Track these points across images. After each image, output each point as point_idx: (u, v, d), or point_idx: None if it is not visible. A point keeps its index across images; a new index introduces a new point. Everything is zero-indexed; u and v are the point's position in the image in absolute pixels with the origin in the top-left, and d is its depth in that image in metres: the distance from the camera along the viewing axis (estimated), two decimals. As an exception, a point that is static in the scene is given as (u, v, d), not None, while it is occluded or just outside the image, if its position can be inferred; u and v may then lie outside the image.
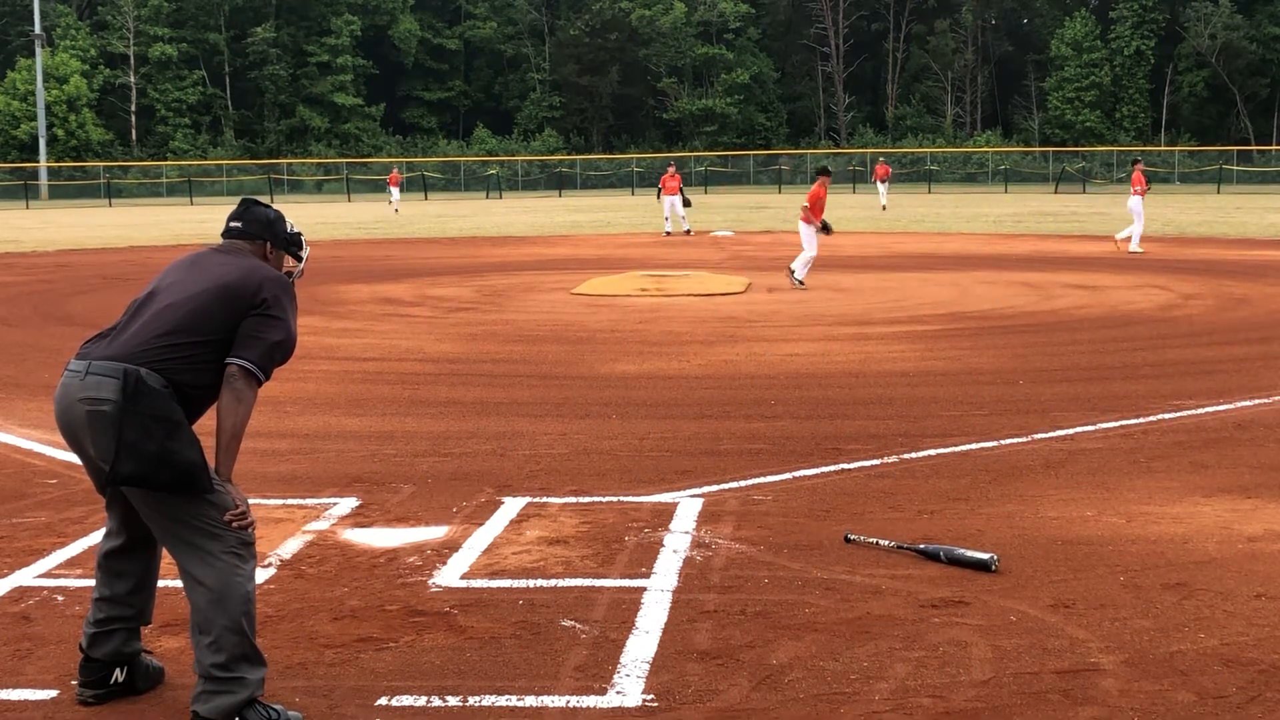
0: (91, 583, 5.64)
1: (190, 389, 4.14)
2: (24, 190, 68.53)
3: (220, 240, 4.53)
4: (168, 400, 4.05)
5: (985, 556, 5.70)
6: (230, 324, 4.16)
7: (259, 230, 4.51)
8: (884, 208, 45.92)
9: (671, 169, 34.71)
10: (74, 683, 4.40)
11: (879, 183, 48.83)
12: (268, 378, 4.21)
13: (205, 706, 4.06)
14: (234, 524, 4.08)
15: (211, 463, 4.10)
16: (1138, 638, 4.85)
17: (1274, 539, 6.15)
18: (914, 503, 6.85)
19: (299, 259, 4.64)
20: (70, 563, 5.92)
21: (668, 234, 33.13)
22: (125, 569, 4.32)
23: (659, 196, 35.06)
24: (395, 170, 56.86)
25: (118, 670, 4.35)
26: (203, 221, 41.96)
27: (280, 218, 4.60)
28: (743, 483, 7.31)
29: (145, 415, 3.98)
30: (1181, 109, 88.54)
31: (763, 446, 8.33)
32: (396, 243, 32.57)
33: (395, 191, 52.26)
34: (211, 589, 4.05)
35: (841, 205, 51.70)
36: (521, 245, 30.95)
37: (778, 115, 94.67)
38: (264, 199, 5.28)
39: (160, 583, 4.48)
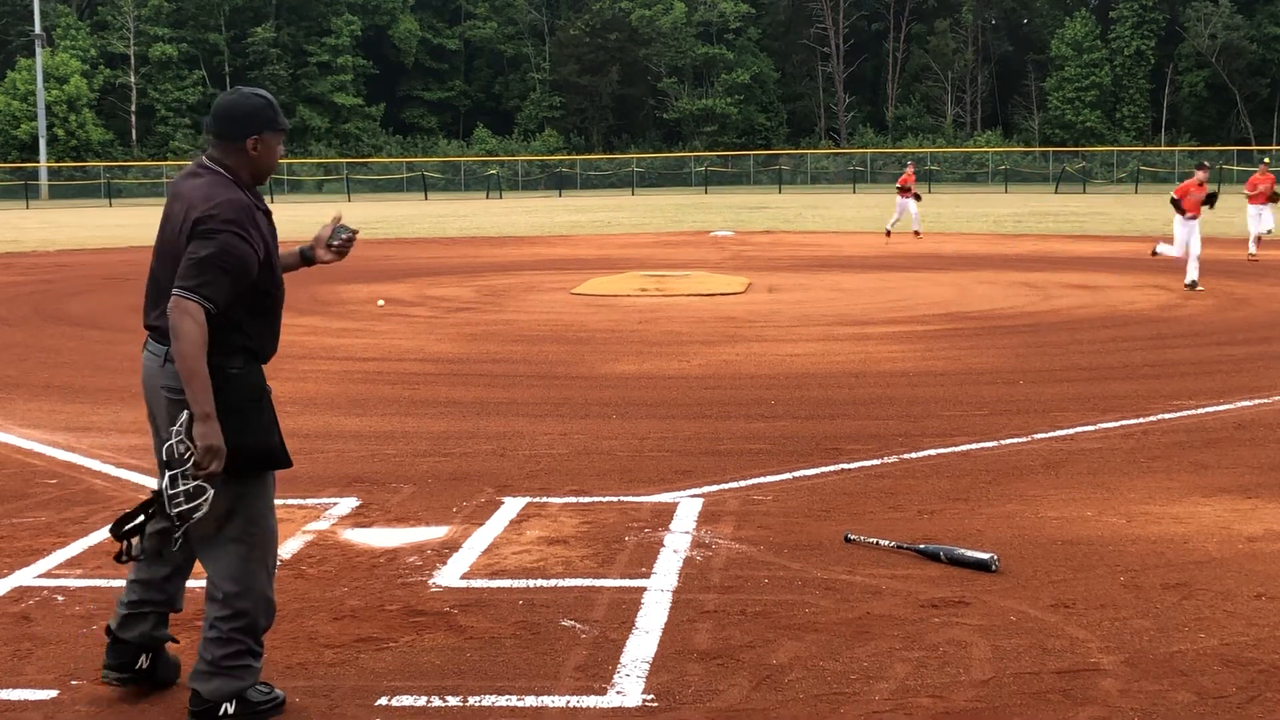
0: (93, 583, 5.65)
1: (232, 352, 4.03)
2: (24, 190, 68.47)
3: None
4: (239, 386, 4.00)
5: (985, 556, 5.71)
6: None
7: (226, 128, 4.07)
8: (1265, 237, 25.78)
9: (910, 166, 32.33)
10: (100, 668, 4.36)
11: (1264, 210, 25.36)
12: (209, 300, 3.89)
13: (207, 686, 4.05)
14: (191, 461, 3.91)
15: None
16: (1138, 638, 4.85)
17: (1274, 539, 6.15)
18: (914, 503, 6.85)
19: (283, 130, 4.12)
20: (70, 563, 5.92)
21: (888, 233, 30.58)
22: (168, 554, 4.26)
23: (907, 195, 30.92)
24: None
25: (143, 656, 4.32)
26: (203, 221, 41.87)
27: (245, 98, 4.10)
28: (743, 483, 7.31)
29: (219, 411, 3.93)
30: (1182, 109, 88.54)
31: (763, 446, 8.33)
32: (396, 243, 32.55)
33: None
34: (227, 588, 4.05)
35: (842, 205, 51.73)
36: (522, 245, 30.94)
37: (778, 115, 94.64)
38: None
39: None
